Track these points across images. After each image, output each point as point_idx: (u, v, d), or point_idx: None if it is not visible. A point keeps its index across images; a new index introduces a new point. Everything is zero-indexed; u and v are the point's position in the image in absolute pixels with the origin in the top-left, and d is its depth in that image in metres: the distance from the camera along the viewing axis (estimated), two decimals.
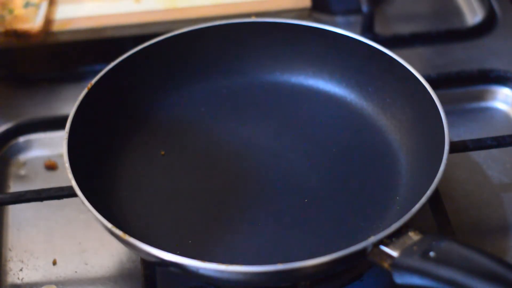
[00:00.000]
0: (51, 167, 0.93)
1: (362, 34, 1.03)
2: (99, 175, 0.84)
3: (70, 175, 0.77)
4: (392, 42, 1.04)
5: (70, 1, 1.04)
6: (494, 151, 0.91)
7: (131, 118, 0.90)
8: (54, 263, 0.83)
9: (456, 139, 0.87)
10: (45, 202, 0.83)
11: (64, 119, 0.83)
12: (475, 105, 0.99)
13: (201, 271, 0.71)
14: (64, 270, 0.83)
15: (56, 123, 0.94)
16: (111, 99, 0.89)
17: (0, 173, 0.92)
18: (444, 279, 0.66)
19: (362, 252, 0.70)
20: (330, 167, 0.86)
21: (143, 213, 0.82)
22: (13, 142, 0.95)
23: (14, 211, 0.88)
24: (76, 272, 0.83)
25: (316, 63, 0.94)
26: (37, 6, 1.01)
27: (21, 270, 0.83)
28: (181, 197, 0.84)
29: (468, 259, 0.67)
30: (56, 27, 1.01)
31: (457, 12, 1.12)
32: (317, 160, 0.87)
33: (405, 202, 0.80)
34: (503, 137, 0.86)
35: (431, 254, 0.68)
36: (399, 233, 0.71)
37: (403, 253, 0.69)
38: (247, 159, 0.88)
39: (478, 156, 0.91)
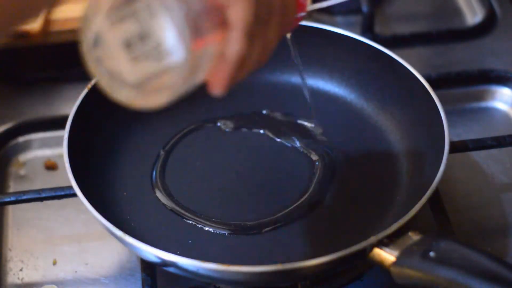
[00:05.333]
0: (51, 167, 0.93)
1: (362, 34, 1.03)
2: (99, 175, 0.84)
3: (70, 175, 0.77)
4: (392, 42, 1.04)
5: (70, 1, 1.04)
6: (494, 151, 0.90)
7: (131, 118, 0.90)
8: (54, 263, 0.83)
9: (456, 139, 0.87)
10: (45, 202, 0.83)
11: (64, 119, 0.83)
12: (475, 105, 0.99)
13: (201, 271, 0.71)
14: (64, 270, 0.83)
15: (56, 123, 0.94)
16: (111, 99, 0.89)
17: (0, 173, 0.92)
18: (444, 279, 0.66)
19: (362, 252, 0.70)
20: (330, 167, 0.86)
21: (143, 213, 0.82)
22: (13, 142, 0.95)
23: (14, 211, 0.88)
24: (76, 272, 0.83)
25: (316, 63, 0.94)
26: None
27: (21, 270, 0.83)
28: (181, 197, 0.84)
29: (468, 259, 0.67)
30: (56, 27, 1.01)
31: (457, 12, 1.12)
32: (317, 160, 0.87)
33: (405, 202, 0.80)
34: (503, 137, 0.86)
35: (431, 254, 0.68)
36: (399, 233, 0.71)
37: (403, 253, 0.69)
38: (247, 159, 0.88)
39: (478, 156, 0.91)
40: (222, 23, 0.59)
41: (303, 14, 0.70)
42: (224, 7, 0.58)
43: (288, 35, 0.77)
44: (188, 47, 0.56)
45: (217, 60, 0.60)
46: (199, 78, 0.60)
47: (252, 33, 0.59)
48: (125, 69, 0.57)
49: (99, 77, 0.58)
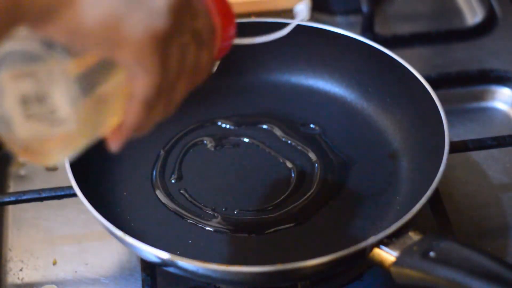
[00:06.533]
0: (51, 167, 0.93)
1: (362, 34, 1.03)
2: (99, 175, 0.84)
3: (70, 175, 0.77)
4: (392, 42, 1.04)
5: None
6: (494, 151, 0.91)
7: None
8: (54, 263, 0.83)
9: (456, 139, 0.87)
10: (45, 202, 0.83)
11: None
12: (475, 105, 0.99)
13: (201, 271, 0.71)
14: (64, 270, 0.83)
15: None
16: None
17: (0, 173, 0.92)
18: (444, 279, 0.66)
19: (362, 252, 0.70)
20: (330, 167, 0.86)
21: (143, 213, 0.82)
22: None
23: (14, 211, 0.88)
24: (76, 272, 0.83)
25: (316, 63, 0.94)
26: None
27: (21, 270, 0.83)
28: (182, 197, 0.84)
29: (468, 259, 0.67)
30: None
31: (457, 12, 1.12)
32: (317, 160, 0.87)
33: (405, 202, 0.80)
34: (503, 137, 0.86)
35: (431, 254, 0.68)
36: (399, 233, 0.71)
37: (403, 253, 0.69)
38: (246, 160, 0.88)
39: (478, 156, 0.91)
40: (124, 92, 0.58)
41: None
42: (128, 77, 0.57)
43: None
44: (82, 121, 0.55)
45: (115, 125, 0.59)
46: (93, 140, 0.59)
47: (153, 104, 0.58)
48: (18, 123, 0.56)
49: None
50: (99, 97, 0.57)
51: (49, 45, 0.55)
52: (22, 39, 0.54)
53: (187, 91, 0.62)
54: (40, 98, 0.55)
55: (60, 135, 0.56)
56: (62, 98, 0.55)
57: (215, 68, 0.67)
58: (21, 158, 0.58)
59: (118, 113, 0.59)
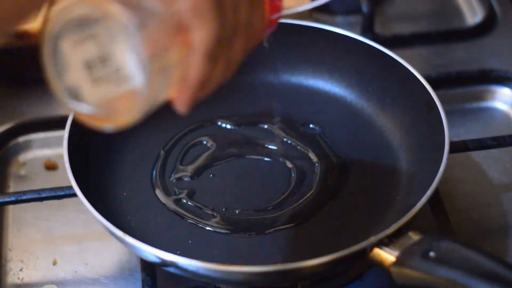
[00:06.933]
0: (51, 167, 0.93)
1: (362, 34, 1.03)
2: (99, 175, 0.84)
3: (70, 175, 0.77)
4: (392, 42, 1.04)
5: None
6: (494, 151, 0.91)
7: None
8: (54, 263, 0.83)
9: (456, 139, 0.87)
10: (45, 202, 0.83)
11: (64, 119, 0.83)
12: (475, 105, 0.99)
13: (201, 271, 0.71)
14: (64, 270, 0.83)
15: (56, 123, 0.94)
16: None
17: (0, 173, 0.92)
18: (444, 279, 0.66)
19: (362, 252, 0.70)
20: (330, 167, 0.86)
21: (143, 213, 0.82)
22: (13, 142, 0.95)
23: (14, 211, 0.88)
24: (76, 272, 0.83)
25: (316, 63, 0.94)
26: None
27: (21, 270, 0.83)
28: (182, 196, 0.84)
29: (468, 259, 0.67)
30: None
31: (457, 12, 1.12)
32: (317, 160, 0.87)
33: (405, 202, 0.80)
34: (503, 137, 0.86)
35: (431, 254, 0.68)
36: (399, 233, 0.71)
37: (403, 253, 0.69)
38: (247, 160, 0.88)
39: (478, 156, 0.91)
40: (185, 45, 0.58)
41: (274, 26, 0.69)
42: (187, 29, 0.58)
43: (266, 44, 0.77)
44: (148, 74, 0.56)
45: (180, 81, 0.60)
46: (161, 98, 0.60)
47: (214, 55, 0.59)
48: (86, 89, 0.57)
49: (61, 93, 0.58)
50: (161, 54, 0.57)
51: (103, 5, 0.55)
52: (75, 5, 0.55)
53: (245, 52, 0.64)
54: (104, 59, 0.56)
55: (128, 92, 0.57)
56: (125, 53, 0.55)
57: (267, 43, 0.69)
58: (92, 125, 0.58)
59: (179, 77, 0.59)
